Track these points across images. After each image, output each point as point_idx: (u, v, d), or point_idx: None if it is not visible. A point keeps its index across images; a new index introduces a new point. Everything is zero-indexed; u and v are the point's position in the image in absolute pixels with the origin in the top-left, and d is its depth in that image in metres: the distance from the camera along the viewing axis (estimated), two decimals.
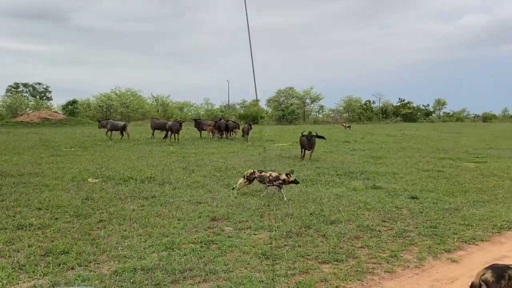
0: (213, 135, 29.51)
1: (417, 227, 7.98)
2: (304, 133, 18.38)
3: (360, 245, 6.96)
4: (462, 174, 14.50)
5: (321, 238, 7.27)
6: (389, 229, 7.89)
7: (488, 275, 4.04)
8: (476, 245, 7.22)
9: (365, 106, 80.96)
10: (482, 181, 13.06)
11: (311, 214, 8.76)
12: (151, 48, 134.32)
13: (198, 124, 30.73)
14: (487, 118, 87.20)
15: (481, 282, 4.04)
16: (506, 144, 26.95)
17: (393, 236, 7.48)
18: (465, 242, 7.30)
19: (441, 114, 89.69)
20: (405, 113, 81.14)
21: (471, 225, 8.23)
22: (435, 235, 7.56)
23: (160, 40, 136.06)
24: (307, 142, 17.91)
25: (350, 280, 5.55)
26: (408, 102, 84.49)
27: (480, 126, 62.28)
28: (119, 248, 6.58)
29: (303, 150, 18.57)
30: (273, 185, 10.37)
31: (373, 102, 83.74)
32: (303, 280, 5.49)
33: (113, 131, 27.58)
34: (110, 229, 7.55)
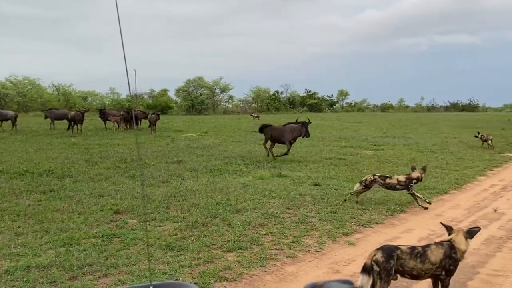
0: (118, 126, 28.57)
1: (318, 213, 8.32)
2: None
3: (264, 233, 7.12)
4: (361, 161, 15.33)
5: (226, 227, 7.34)
6: (292, 216, 8.15)
7: (379, 256, 4.30)
8: (371, 228, 7.67)
9: (273, 97, 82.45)
10: (379, 167, 13.88)
11: (217, 203, 8.80)
12: (50, 35, 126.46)
13: (103, 114, 29.55)
14: (385, 108, 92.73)
15: (372, 263, 4.30)
16: (401, 133, 28.88)
17: (296, 222, 7.73)
18: (361, 225, 7.73)
19: (344, 104, 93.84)
20: (311, 104, 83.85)
21: (368, 209, 8.73)
22: (335, 219, 7.93)
23: (61, 27, 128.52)
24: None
25: (253, 267, 5.66)
26: (314, 93, 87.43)
27: (379, 115, 66.06)
28: (12, 246, 6.19)
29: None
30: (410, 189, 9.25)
31: (281, 93, 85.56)
32: (207, 269, 5.51)
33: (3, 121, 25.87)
34: (2, 226, 7.07)
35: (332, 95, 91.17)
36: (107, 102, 69.07)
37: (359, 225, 7.74)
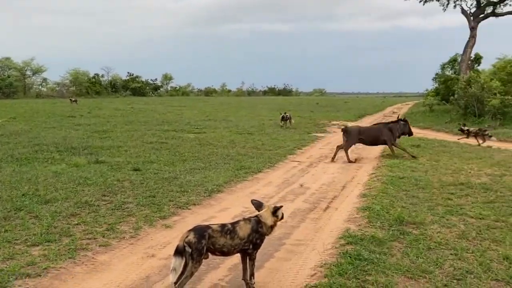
0: None
1: (136, 198, 8.16)
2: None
3: (76, 222, 6.73)
4: (183, 144, 15.47)
5: (33, 220, 6.76)
6: (108, 203, 7.85)
7: (191, 237, 4.37)
8: (189, 209, 7.80)
9: (93, 80, 78.27)
10: (200, 150, 14.19)
11: (23, 195, 8.04)
12: None
13: None
14: (209, 93, 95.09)
15: (185, 244, 4.35)
16: (222, 116, 29.94)
17: (112, 209, 7.47)
18: (179, 207, 7.80)
19: (169, 88, 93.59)
20: (135, 87, 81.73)
21: (187, 191, 8.84)
22: (153, 204, 7.87)
23: None
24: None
25: (61, 260, 5.31)
26: (137, 77, 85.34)
27: (203, 100, 67.47)
28: None
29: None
30: None
31: (102, 76, 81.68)
32: (6, 267, 5.00)
33: None
34: None
35: (156, 79, 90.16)
36: None
37: (177, 207, 7.81)
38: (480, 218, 7.09)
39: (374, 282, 4.75)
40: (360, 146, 16.10)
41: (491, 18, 34.88)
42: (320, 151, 15.47)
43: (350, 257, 5.37)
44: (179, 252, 4.30)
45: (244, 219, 4.82)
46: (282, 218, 4.91)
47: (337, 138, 19.50)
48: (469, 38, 34.25)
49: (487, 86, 25.03)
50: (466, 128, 18.15)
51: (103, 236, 6.23)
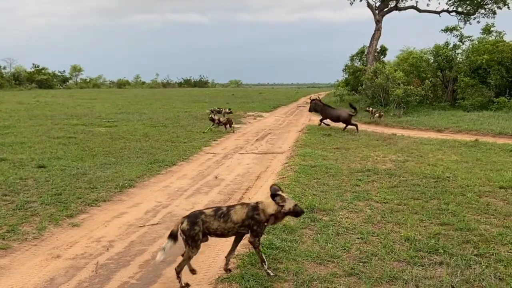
0: None
1: (41, 197, 7.71)
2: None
3: None
4: (92, 139, 14.85)
5: None
6: (9, 203, 7.36)
7: (185, 224, 4.42)
8: (98, 206, 7.50)
9: None
10: (111, 144, 13.69)
11: None
12: None
13: None
14: (121, 85, 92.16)
15: (180, 231, 4.41)
16: (135, 109, 29.10)
17: (13, 209, 7.01)
18: (88, 205, 7.48)
19: (79, 80, 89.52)
20: (41, 80, 77.18)
21: (96, 188, 8.50)
22: (59, 202, 7.48)
23: None
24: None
25: None
26: (43, 68, 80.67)
27: (115, 92, 65.21)
28: None
29: None
30: None
31: (4, 68, 76.24)
32: None
33: None
34: None
35: (64, 71, 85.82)
36: None
37: (86, 204, 7.48)
38: (385, 203, 7.49)
39: (285, 269, 4.85)
40: (275, 136, 16.40)
41: (395, 12, 36.81)
42: (235, 142, 15.54)
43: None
44: (172, 236, 4.49)
45: (242, 204, 4.84)
46: (292, 211, 4.75)
47: (252, 129, 19.74)
48: (375, 31, 35.92)
49: (392, 77, 26.41)
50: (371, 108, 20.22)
51: (3, 239, 5.82)
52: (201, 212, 4.61)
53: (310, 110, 20.90)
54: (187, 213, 7.17)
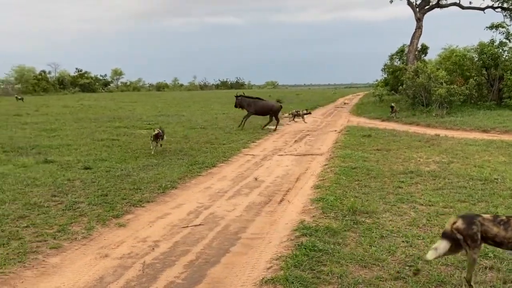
0: None
1: (88, 197, 7.95)
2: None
3: (25, 225, 6.48)
4: (135, 141, 15.19)
5: None
6: (59, 203, 7.61)
7: (459, 223, 4.29)
8: (143, 207, 7.67)
9: (40, 77, 75.52)
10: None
11: None
12: None
13: None
14: (160, 87, 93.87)
15: (453, 230, 4.29)
16: (174, 111, 29.57)
17: (63, 210, 7.25)
18: (133, 205, 7.66)
19: (119, 84, 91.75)
20: (84, 83, 79.58)
21: (140, 189, 8.69)
22: (106, 202, 7.68)
23: None
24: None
25: (10, 264, 5.11)
26: (86, 72, 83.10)
27: (155, 95, 66.45)
28: None
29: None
30: None
31: (49, 73, 79.00)
32: None
33: None
34: None
35: (105, 75, 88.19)
36: None
37: (131, 205, 7.66)
38: (430, 205, 7.34)
39: (329, 272, 4.83)
40: (313, 138, 16.35)
41: (436, 9, 35.97)
42: (273, 144, 15.57)
43: (305, 248, 5.44)
44: (445, 235, 4.36)
45: None
46: None
47: (290, 130, 19.72)
48: (416, 29, 35.18)
49: (434, 76, 25.83)
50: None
51: (54, 238, 6.03)
52: (477, 214, 4.46)
53: (235, 106, 20.85)
54: (229, 214, 7.33)
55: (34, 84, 72.09)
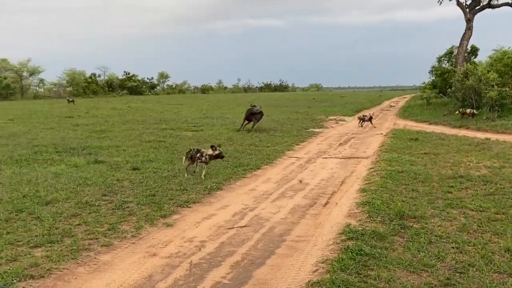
0: None
1: (136, 197, 8.16)
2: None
3: (77, 223, 6.73)
4: (181, 142, 15.46)
5: (34, 221, 6.76)
6: (109, 203, 7.85)
7: None
8: (189, 207, 7.80)
9: (90, 80, 78.15)
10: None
11: (24, 196, 8.06)
12: None
13: None
14: (205, 90, 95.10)
15: None
16: (219, 113, 29.89)
17: (113, 209, 7.47)
18: (180, 206, 7.80)
19: (165, 86, 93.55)
20: (131, 86, 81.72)
21: (186, 190, 8.84)
22: (153, 202, 7.87)
23: None
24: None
25: (64, 261, 5.32)
26: (133, 75, 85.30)
27: (199, 97, 67.34)
28: None
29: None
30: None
31: (98, 76, 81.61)
32: (9, 269, 5.01)
33: None
34: None
35: (152, 78, 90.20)
36: None
37: (178, 205, 7.81)
38: (481, 211, 7.11)
39: (376, 277, 4.77)
40: (358, 141, 16.16)
41: (487, 10, 34.78)
42: (318, 147, 15.48)
43: (352, 252, 5.39)
44: None
45: None
46: None
47: (334, 133, 19.55)
48: (466, 30, 34.16)
49: (484, 78, 24.98)
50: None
51: (105, 236, 6.23)
52: None
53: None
54: (274, 216, 7.34)
55: (85, 87, 74.67)
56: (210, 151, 10.14)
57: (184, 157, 10.44)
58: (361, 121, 21.80)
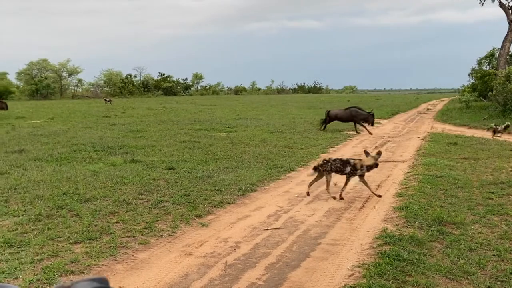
0: None
1: (172, 197, 8.25)
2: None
3: (115, 220, 6.86)
4: (215, 143, 15.57)
5: (74, 218, 6.92)
6: (145, 201, 7.97)
7: None
8: (223, 208, 7.84)
9: (126, 80, 79.73)
10: (232, 149, 14.24)
11: (64, 193, 8.25)
12: None
13: None
14: (238, 91, 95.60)
15: None
16: (252, 114, 29.97)
17: (149, 207, 7.58)
18: (214, 206, 7.85)
19: (199, 87, 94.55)
20: (166, 87, 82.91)
21: (221, 190, 8.89)
22: (188, 202, 7.94)
23: None
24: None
25: (103, 257, 5.43)
26: (168, 76, 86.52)
27: (233, 98, 67.76)
28: None
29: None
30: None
31: (135, 76, 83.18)
32: (51, 264, 5.15)
33: None
34: None
35: (186, 78, 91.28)
36: None
37: (212, 206, 7.86)
38: None
39: (414, 283, 4.67)
40: (394, 144, 15.90)
41: None
42: (353, 150, 15.30)
43: (389, 257, 5.30)
44: None
45: None
46: None
47: (370, 136, 19.29)
48: (508, 32, 33.19)
49: None
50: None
51: (142, 234, 6.33)
52: None
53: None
54: (309, 219, 7.30)
55: (121, 87, 76.25)
56: (368, 161, 8.55)
57: (312, 170, 8.94)
58: (494, 132, 18.65)
